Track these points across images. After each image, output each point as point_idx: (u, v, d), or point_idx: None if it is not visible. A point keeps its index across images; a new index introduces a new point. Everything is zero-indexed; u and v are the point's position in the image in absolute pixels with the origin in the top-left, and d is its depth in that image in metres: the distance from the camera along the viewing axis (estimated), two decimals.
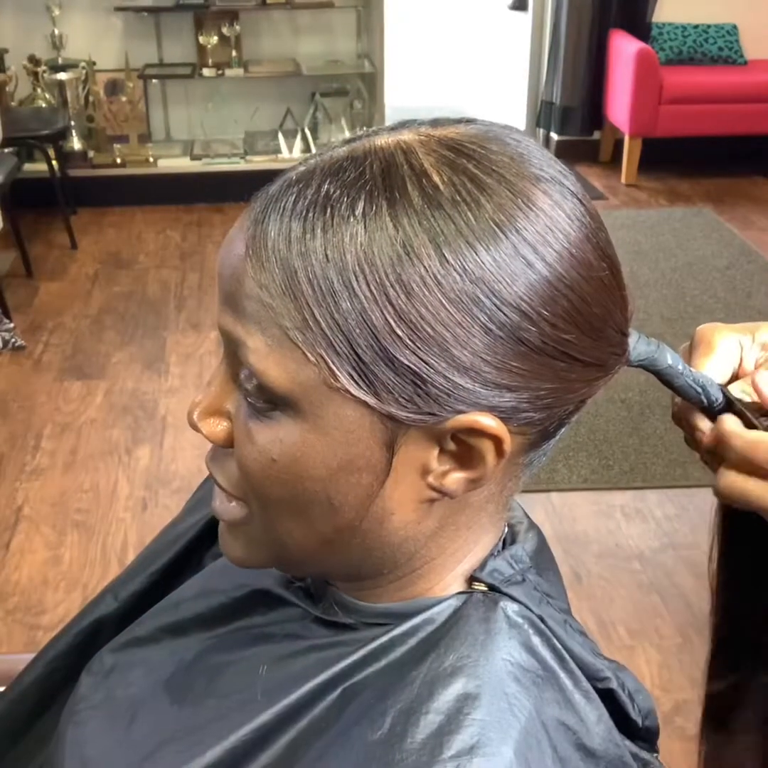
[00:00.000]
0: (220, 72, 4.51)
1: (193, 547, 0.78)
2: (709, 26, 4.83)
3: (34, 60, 4.41)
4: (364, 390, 0.51)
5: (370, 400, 0.51)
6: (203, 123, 4.67)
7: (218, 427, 0.57)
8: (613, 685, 0.61)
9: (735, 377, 0.63)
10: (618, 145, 4.90)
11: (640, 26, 4.77)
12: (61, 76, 4.35)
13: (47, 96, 4.41)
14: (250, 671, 0.63)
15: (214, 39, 4.48)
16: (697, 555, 2.31)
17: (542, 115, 5.09)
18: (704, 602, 0.72)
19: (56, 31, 4.36)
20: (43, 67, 4.40)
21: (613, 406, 2.90)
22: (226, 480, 0.58)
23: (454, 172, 0.51)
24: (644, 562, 2.32)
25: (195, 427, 0.58)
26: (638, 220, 4.32)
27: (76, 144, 4.44)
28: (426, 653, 0.57)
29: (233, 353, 0.55)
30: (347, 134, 4.47)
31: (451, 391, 0.51)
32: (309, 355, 0.51)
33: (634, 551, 2.36)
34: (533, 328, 0.51)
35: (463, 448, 0.53)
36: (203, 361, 3.24)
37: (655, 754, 0.66)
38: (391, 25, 4.82)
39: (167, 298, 3.72)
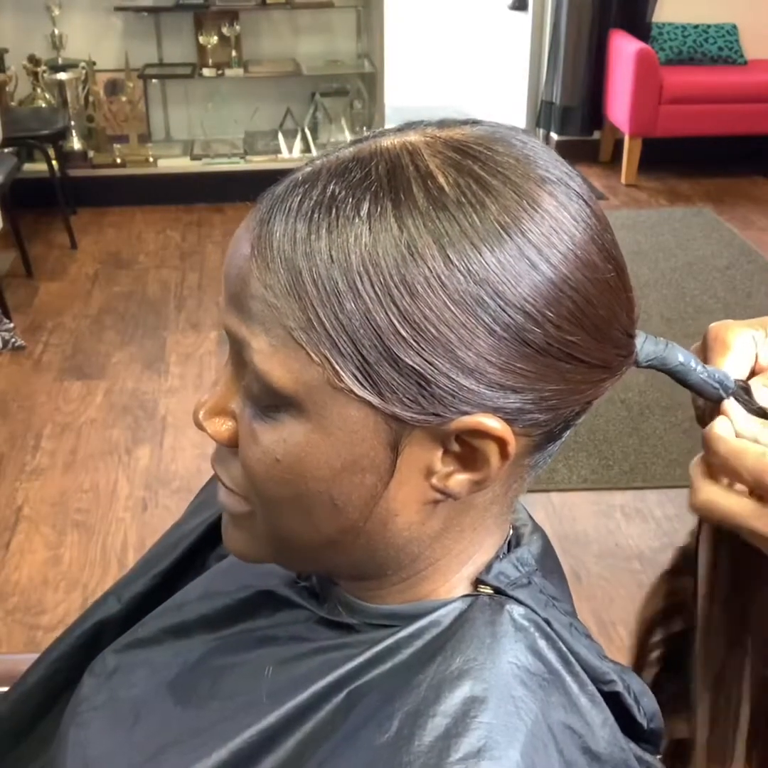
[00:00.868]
0: (220, 72, 4.51)
1: (196, 549, 0.78)
2: (709, 26, 4.83)
3: (34, 60, 4.41)
4: (368, 390, 0.51)
5: (374, 400, 0.51)
6: (203, 123, 4.67)
7: (223, 426, 0.57)
8: (619, 688, 0.61)
9: (753, 373, 0.61)
10: (618, 145, 4.90)
11: (640, 26, 4.77)
12: (61, 76, 4.35)
13: (47, 96, 4.41)
14: (255, 673, 0.62)
15: (214, 39, 4.47)
16: None
17: (542, 115, 5.09)
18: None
19: (56, 31, 4.36)
20: (43, 67, 4.40)
21: (613, 406, 2.90)
22: (231, 479, 0.58)
23: (460, 174, 0.51)
24: (644, 562, 2.32)
25: (200, 427, 0.58)
26: (638, 220, 4.32)
27: (76, 144, 4.44)
28: (432, 656, 0.57)
29: (238, 353, 0.55)
30: (347, 134, 4.49)
31: (456, 392, 0.51)
32: (313, 355, 0.51)
33: (634, 551, 2.36)
34: (538, 330, 0.51)
35: (467, 449, 0.53)
36: (203, 361, 3.24)
37: (659, 757, 0.66)
38: (391, 25, 4.81)
39: (167, 298, 3.71)
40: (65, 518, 2.50)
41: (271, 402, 0.53)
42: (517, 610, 0.58)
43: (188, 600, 0.72)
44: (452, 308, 0.50)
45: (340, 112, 4.65)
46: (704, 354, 0.62)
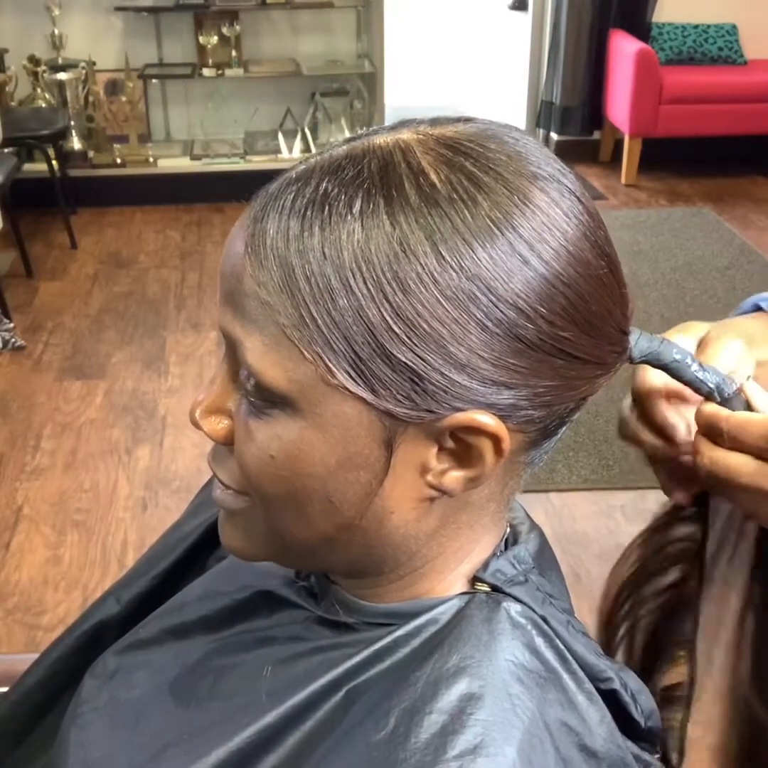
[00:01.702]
0: (220, 72, 4.51)
1: (195, 549, 0.78)
2: (709, 26, 4.83)
3: (34, 60, 4.41)
4: (361, 387, 0.51)
5: (368, 396, 0.51)
6: (203, 123, 4.67)
7: (219, 425, 0.57)
8: (616, 685, 0.61)
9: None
10: (618, 145, 4.90)
11: (640, 26, 4.77)
12: (61, 76, 4.35)
13: (47, 96, 4.41)
14: (254, 674, 0.62)
15: (214, 39, 4.48)
16: None
17: (542, 115, 5.09)
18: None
19: (56, 31, 4.36)
20: (43, 67, 4.40)
21: (613, 406, 2.88)
22: (228, 477, 0.58)
23: (452, 171, 0.52)
24: None
25: (197, 426, 0.58)
26: (638, 220, 4.32)
27: (76, 144, 4.44)
28: (429, 654, 0.57)
29: (233, 352, 0.55)
30: (347, 134, 4.45)
31: (448, 388, 0.51)
32: (306, 352, 0.51)
33: None
34: (530, 326, 0.51)
35: (461, 446, 0.53)
36: (203, 361, 3.24)
37: (657, 755, 0.66)
38: (391, 25, 4.82)
39: (167, 298, 3.72)
40: (65, 518, 2.50)
41: (266, 400, 0.54)
42: (514, 608, 0.58)
43: (188, 601, 0.72)
44: (444, 304, 0.50)
45: (340, 112, 4.66)
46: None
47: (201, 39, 4.50)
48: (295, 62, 4.64)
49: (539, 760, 0.53)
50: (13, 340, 3.31)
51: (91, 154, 4.49)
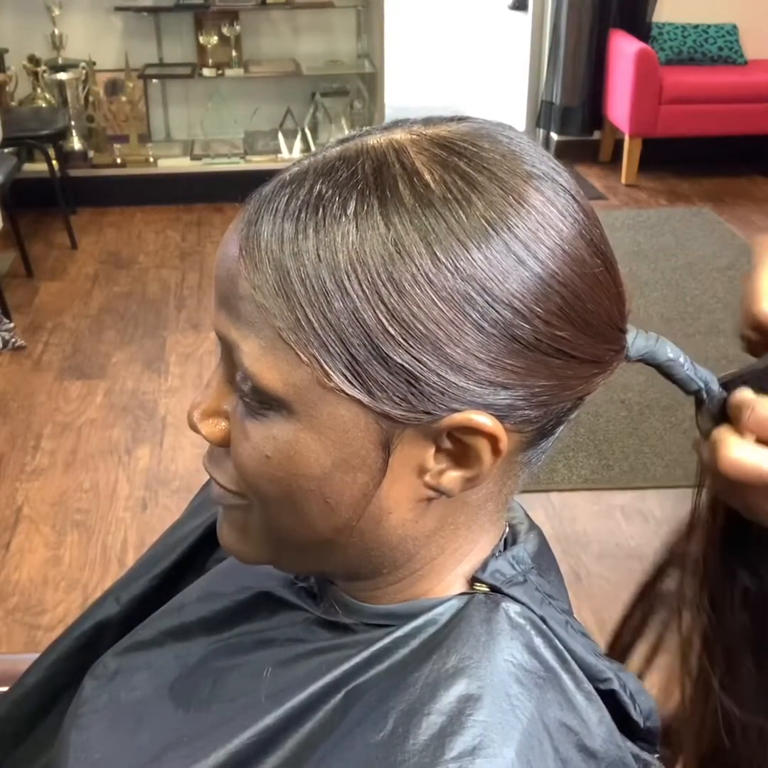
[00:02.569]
0: (220, 72, 4.51)
1: (195, 550, 0.78)
2: (709, 26, 4.83)
3: (34, 60, 4.41)
4: (357, 389, 0.51)
5: (364, 398, 0.51)
6: (203, 123, 4.67)
7: (217, 427, 0.57)
8: (615, 685, 0.61)
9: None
10: (618, 145, 4.90)
11: (640, 26, 4.77)
12: (61, 76, 4.35)
13: (47, 96, 4.41)
14: (254, 676, 0.62)
15: (214, 39, 4.48)
16: None
17: (542, 115, 5.09)
18: None
19: (56, 31, 4.36)
20: (43, 67, 4.40)
21: (613, 407, 2.90)
22: (225, 479, 0.58)
23: (446, 171, 0.51)
24: (644, 562, 2.30)
25: (194, 428, 0.58)
26: (638, 220, 4.32)
27: (76, 144, 4.44)
28: (428, 654, 0.57)
29: (229, 355, 0.55)
30: (347, 134, 4.47)
31: (445, 390, 0.51)
32: (302, 355, 0.51)
33: (634, 551, 2.36)
34: (526, 326, 0.51)
35: (459, 446, 0.53)
36: (203, 361, 3.24)
37: (656, 755, 0.66)
38: (391, 25, 4.81)
39: (167, 298, 3.72)
40: (65, 518, 2.50)
41: (262, 402, 0.53)
42: (513, 608, 0.58)
43: (188, 602, 0.72)
44: (440, 305, 0.50)
45: (340, 112, 4.66)
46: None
47: (201, 39, 4.50)
48: (295, 62, 4.64)
49: (538, 761, 0.53)
50: (13, 340, 3.31)
51: (91, 154, 4.49)
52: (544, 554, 0.65)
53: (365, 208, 0.50)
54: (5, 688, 0.83)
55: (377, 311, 0.50)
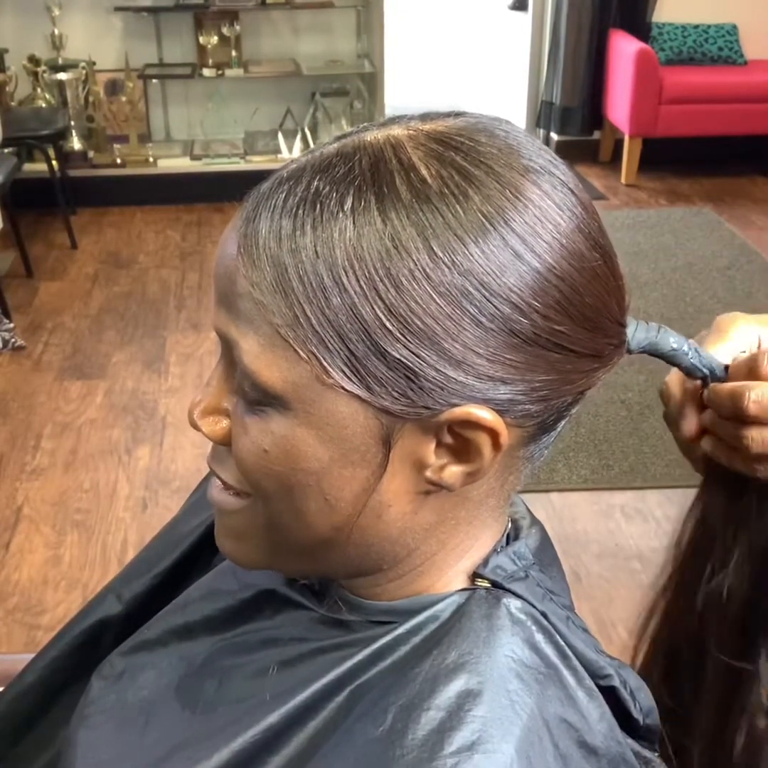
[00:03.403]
0: (220, 72, 4.51)
1: (197, 548, 0.78)
2: (709, 26, 4.83)
3: (34, 60, 4.41)
4: (356, 385, 0.51)
5: (364, 394, 0.51)
6: (203, 123, 4.67)
7: (217, 425, 0.57)
8: (616, 682, 0.61)
9: (753, 373, 0.60)
10: (618, 145, 4.90)
11: (640, 26, 4.77)
12: (61, 76, 4.35)
13: (47, 96, 4.41)
14: (259, 675, 0.62)
15: (214, 39, 4.48)
16: None
17: (542, 115, 5.09)
18: None
19: (56, 31, 4.36)
20: (43, 67, 4.40)
21: (613, 407, 2.90)
22: (229, 476, 0.58)
23: (442, 165, 0.51)
24: (644, 562, 2.32)
25: (195, 427, 0.58)
26: (638, 220, 4.32)
27: (76, 144, 4.44)
28: (429, 650, 0.57)
29: (229, 353, 0.55)
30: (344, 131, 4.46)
31: (444, 384, 0.51)
32: (300, 351, 0.51)
33: (634, 551, 2.36)
34: (524, 320, 0.51)
35: (459, 441, 0.53)
36: (203, 361, 3.24)
37: (656, 753, 0.65)
38: (391, 25, 4.82)
39: (167, 298, 3.72)
40: (65, 518, 2.50)
41: (261, 399, 0.54)
42: (514, 604, 0.58)
43: (192, 600, 0.72)
44: (438, 300, 0.50)
45: (340, 112, 4.65)
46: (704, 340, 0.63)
47: (201, 39, 4.50)
48: (295, 62, 4.64)
49: (538, 757, 0.53)
50: (13, 340, 3.31)
51: (91, 154, 4.49)
52: (545, 549, 0.65)
53: (362, 204, 0.51)
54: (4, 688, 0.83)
55: (375, 307, 0.50)
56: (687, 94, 4.59)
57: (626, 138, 4.72)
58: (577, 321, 0.53)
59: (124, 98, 4.47)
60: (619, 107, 4.71)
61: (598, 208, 0.56)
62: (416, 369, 0.51)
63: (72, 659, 0.79)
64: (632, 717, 0.62)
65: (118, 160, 4.49)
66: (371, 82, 4.67)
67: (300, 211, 0.51)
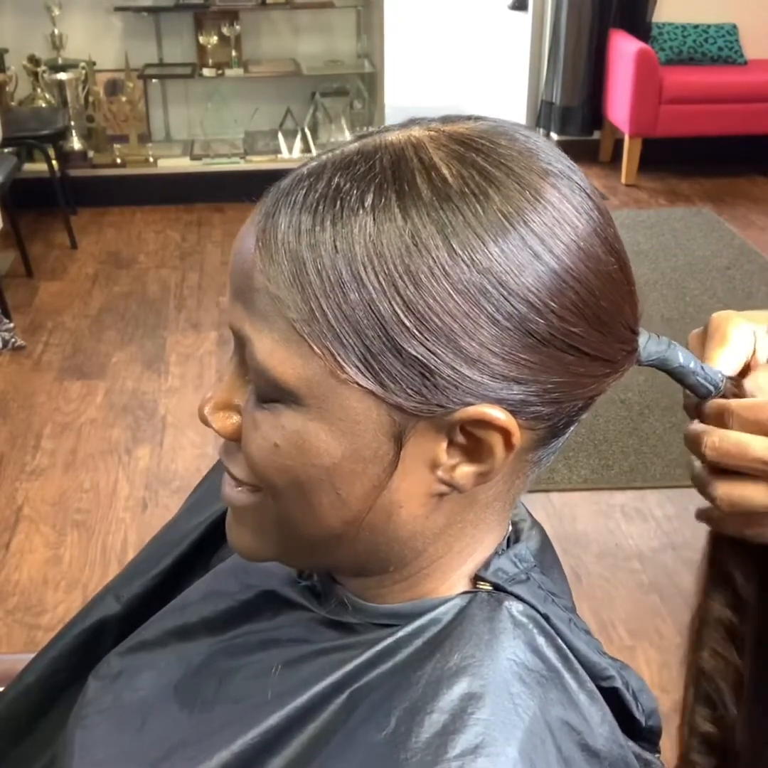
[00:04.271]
0: (220, 72, 4.51)
1: (198, 548, 0.78)
2: (709, 26, 4.83)
3: (34, 60, 4.41)
4: (371, 380, 0.51)
5: (377, 390, 0.51)
6: (203, 123, 4.67)
7: (228, 421, 0.58)
8: (618, 684, 0.61)
9: (748, 368, 0.61)
10: (618, 145, 4.90)
11: (640, 26, 4.77)
12: (61, 76, 4.35)
13: (47, 96, 4.41)
14: (259, 676, 0.62)
15: (214, 39, 4.48)
16: (697, 555, 2.31)
17: (542, 115, 5.09)
18: None
19: (56, 31, 4.36)
20: (43, 67, 4.40)
21: (613, 406, 2.90)
22: (240, 472, 0.58)
23: (463, 166, 0.52)
24: (644, 562, 2.32)
25: (206, 422, 0.58)
26: (638, 220, 4.32)
27: (76, 144, 4.44)
28: (431, 653, 0.57)
29: (242, 349, 0.55)
30: (347, 134, 4.49)
31: (459, 383, 0.51)
32: (315, 347, 0.51)
33: (634, 551, 2.36)
34: (541, 320, 0.51)
35: (472, 440, 0.53)
36: (203, 361, 3.24)
37: (658, 755, 0.65)
38: (391, 25, 4.82)
39: (167, 298, 3.72)
40: (65, 518, 2.50)
41: (275, 396, 0.54)
42: (515, 607, 0.58)
43: (191, 601, 0.71)
44: (456, 298, 0.50)
45: (340, 112, 4.65)
46: (703, 342, 0.63)
47: (201, 39, 4.49)
48: (295, 62, 4.64)
49: (540, 760, 0.53)
50: (13, 340, 3.31)
51: (91, 154, 4.49)
52: (546, 551, 0.65)
53: (383, 201, 0.51)
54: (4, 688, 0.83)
55: (393, 303, 0.50)
56: (687, 94, 4.59)
57: (626, 138, 4.72)
58: (592, 323, 0.53)
59: (124, 98, 4.46)
60: (619, 107, 4.71)
61: None
62: (431, 366, 0.51)
63: (72, 659, 0.79)
64: (634, 718, 0.62)
65: (118, 160, 4.49)
66: (371, 82, 4.67)
67: (320, 207, 0.52)
